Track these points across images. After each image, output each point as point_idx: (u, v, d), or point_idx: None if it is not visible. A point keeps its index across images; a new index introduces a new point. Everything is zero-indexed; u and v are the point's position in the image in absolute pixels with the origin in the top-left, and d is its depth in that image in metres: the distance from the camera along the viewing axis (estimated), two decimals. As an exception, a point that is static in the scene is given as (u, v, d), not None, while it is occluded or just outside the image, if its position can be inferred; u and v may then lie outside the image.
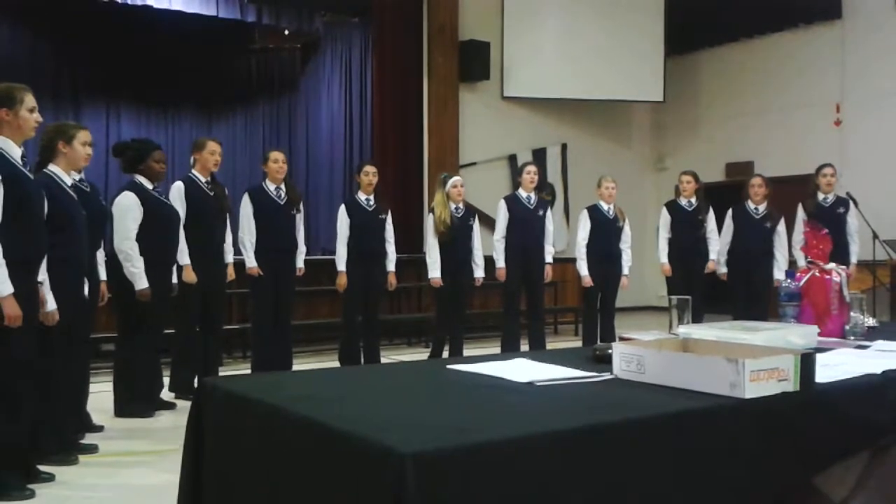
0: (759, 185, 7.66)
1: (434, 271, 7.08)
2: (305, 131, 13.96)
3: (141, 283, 5.20)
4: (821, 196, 7.67)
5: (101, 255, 5.00)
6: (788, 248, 7.57)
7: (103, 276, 5.04)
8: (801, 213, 7.61)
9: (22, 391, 3.72)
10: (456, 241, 7.08)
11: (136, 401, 5.38)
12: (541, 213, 7.48)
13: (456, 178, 7.24)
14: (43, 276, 3.93)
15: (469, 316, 7.83)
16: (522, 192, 7.48)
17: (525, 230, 7.39)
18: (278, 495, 1.78)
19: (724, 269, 7.74)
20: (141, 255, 5.23)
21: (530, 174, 7.46)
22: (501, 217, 7.43)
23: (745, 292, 7.53)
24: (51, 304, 4.00)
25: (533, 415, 1.79)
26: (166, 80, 13.03)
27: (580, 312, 8.87)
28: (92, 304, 4.80)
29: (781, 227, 7.63)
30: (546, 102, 12.37)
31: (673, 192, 8.04)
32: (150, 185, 5.44)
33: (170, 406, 5.66)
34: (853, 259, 7.53)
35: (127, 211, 5.23)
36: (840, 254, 6.82)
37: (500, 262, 7.38)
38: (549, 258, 7.50)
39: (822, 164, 7.79)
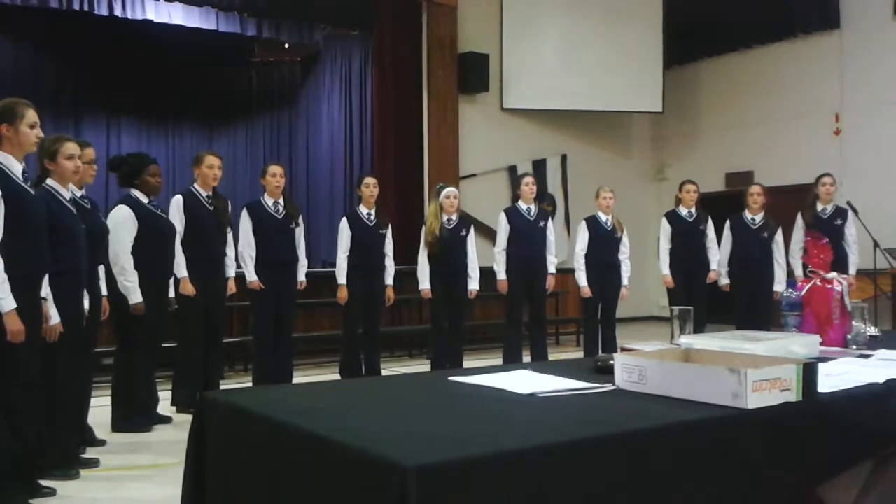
0: (759, 193, 7.66)
1: (423, 283, 7.09)
2: (306, 144, 14.00)
3: (135, 297, 5.19)
4: (819, 207, 7.66)
5: (101, 271, 4.99)
6: (787, 258, 7.57)
7: (105, 291, 5.03)
8: (799, 223, 7.62)
9: (24, 405, 3.72)
10: (448, 253, 7.07)
11: (133, 415, 5.37)
12: (541, 224, 7.47)
13: (449, 189, 7.23)
14: (46, 290, 3.93)
15: (467, 327, 7.82)
16: (522, 204, 7.48)
17: (526, 242, 7.38)
18: (280, 509, 1.78)
19: (726, 281, 7.74)
20: (136, 268, 5.22)
21: (529, 185, 7.46)
22: (502, 229, 7.43)
23: (748, 302, 7.53)
24: (54, 318, 4.00)
25: (535, 426, 1.79)
26: (166, 94, 13.08)
27: (582, 323, 8.87)
28: (94, 318, 4.80)
29: (779, 236, 7.63)
30: (545, 113, 12.40)
31: (673, 203, 8.05)
32: (145, 199, 5.44)
33: (166, 420, 5.64)
34: (852, 270, 7.50)
35: (122, 224, 5.21)
36: (839, 265, 6.79)
37: (501, 275, 7.37)
38: (552, 269, 7.50)
39: (821, 174, 7.79)
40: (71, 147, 4.35)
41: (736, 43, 12.50)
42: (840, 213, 7.69)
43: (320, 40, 12.33)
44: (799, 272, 7.24)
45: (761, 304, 7.40)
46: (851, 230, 7.64)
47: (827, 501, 1.95)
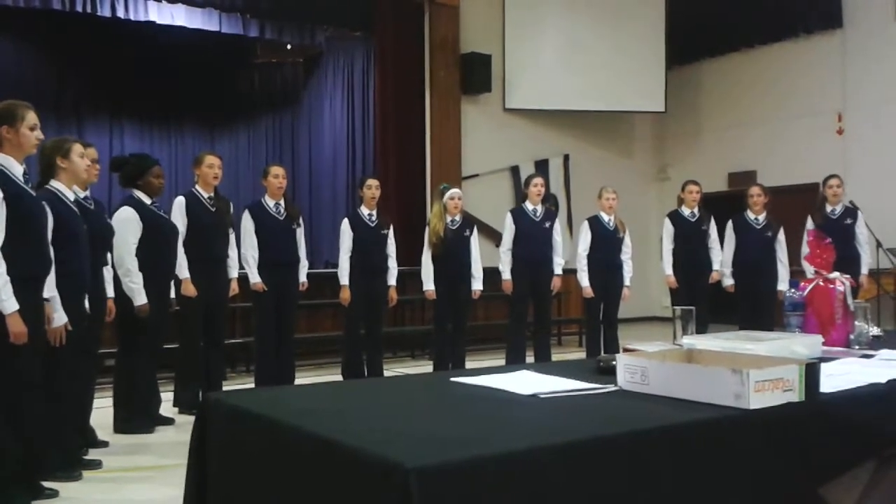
0: (758, 194, 7.67)
1: (427, 284, 7.09)
2: (308, 145, 14.01)
3: (140, 298, 5.20)
4: (828, 208, 7.65)
5: (107, 272, 5.00)
6: (790, 258, 7.55)
7: (110, 292, 5.03)
8: (809, 225, 7.59)
9: (27, 406, 3.72)
10: (451, 254, 7.07)
11: (135, 417, 5.37)
12: (547, 224, 7.47)
13: (453, 191, 7.23)
14: (50, 292, 3.93)
15: (470, 328, 7.82)
16: (528, 205, 7.47)
17: (532, 242, 7.38)
18: (282, 510, 1.78)
19: (730, 281, 7.73)
20: (139, 269, 5.23)
21: (537, 187, 7.45)
22: (508, 230, 7.44)
23: (750, 302, 7.53)
24: (58, 320, 4.00)
25: (537, 427, 1.78)
26: (169, 96, 13.10)
27: (584, 324, 8.87)
28: (98, 320, 4.80)
29: (781, 236, 7.63)
30: (548, 114, 12.39)
31: (675, 203, 8.04)
32: (148, 200, 5.44)
33: (168, 421, 5.63)
34: (864, 269, 7.51)
35: (126, 226, 5.22)
36: (851, 265, 6.81)
37: (506, 275, 7.37)
38: (558, 269, 7.50)
39: (828, 176, 7.80)
40: (79, 147, 4.45)
41: (738, 43, 12.50)
42: (849, 212, 7.68)
43: (322, 41, 12.34)
44: (810, 274, 7.20)
45: (764, 305, 7.39)
46: (862, 229, 7.63)
47: (829, 502, 1.95)
